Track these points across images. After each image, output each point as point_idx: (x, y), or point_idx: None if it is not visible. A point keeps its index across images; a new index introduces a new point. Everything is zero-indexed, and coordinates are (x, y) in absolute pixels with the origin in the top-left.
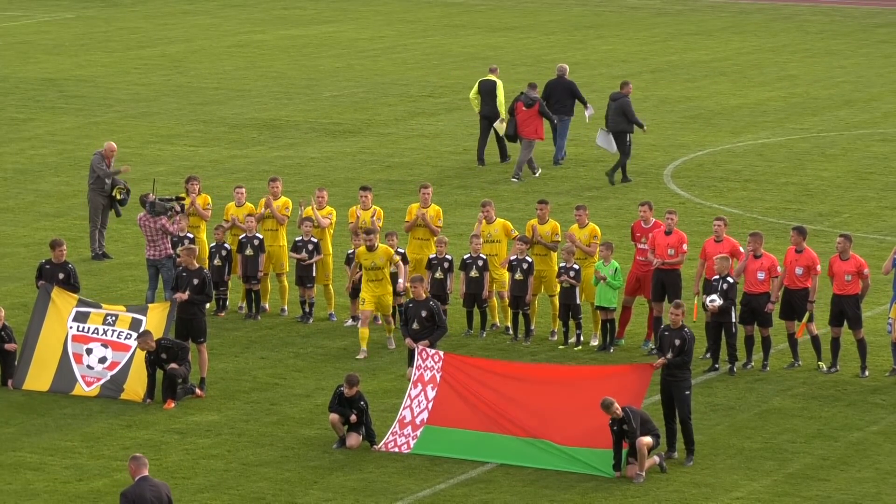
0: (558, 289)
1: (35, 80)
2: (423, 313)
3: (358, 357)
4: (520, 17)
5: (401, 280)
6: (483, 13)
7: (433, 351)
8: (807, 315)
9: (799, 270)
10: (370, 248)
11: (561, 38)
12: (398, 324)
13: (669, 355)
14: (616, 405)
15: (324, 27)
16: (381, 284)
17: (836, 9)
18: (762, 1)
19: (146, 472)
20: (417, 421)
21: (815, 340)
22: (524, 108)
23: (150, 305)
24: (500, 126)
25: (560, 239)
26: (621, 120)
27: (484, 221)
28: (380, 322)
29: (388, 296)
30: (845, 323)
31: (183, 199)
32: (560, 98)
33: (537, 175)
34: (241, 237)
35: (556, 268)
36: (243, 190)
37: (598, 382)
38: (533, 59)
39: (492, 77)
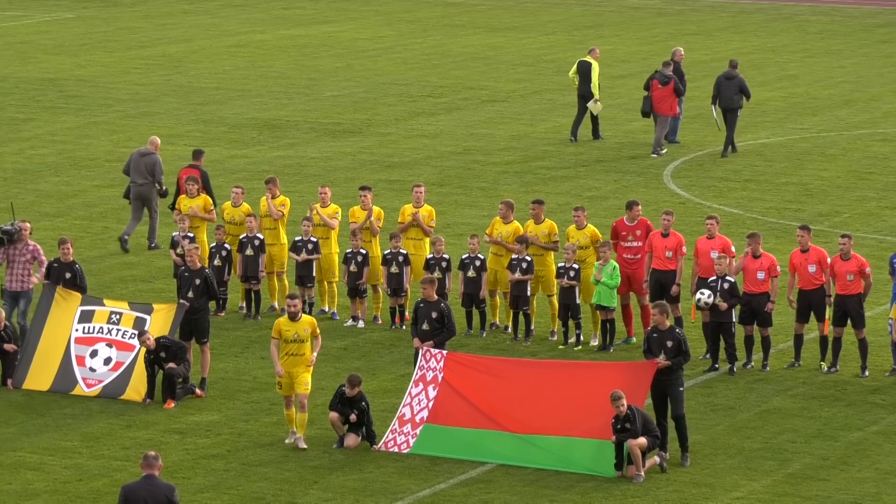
0: (556, 288)
1: (35, 80)
2: (434, 315)
3: (287, 441)
4: (520, 17)
5: (314, 355)
6: (483, 13)
7: (436, 351)
8: (829, 311)
9: (812, 268)
10: (293, 317)
11: (561, 38)
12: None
13: (662, 356)
14: (624, 401)
15: (324, 27)
16: (301, 361)
17: (836, 9)
18: (762, 1)
19: (153, 472)
20: (417, 419)
21: (823, 340)
22: (659, 86)
23: (155, 306)
24: (594, 106)
25: (558, 239)
26: (738, 97)
27: (499, 220)
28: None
29: (307, 374)
30: (847, 323)
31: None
32: None
33: (663, 153)
34: (241, 237)
35: (553, 268)
36: (239, 190)
37: (600, 379)
38: (533, 58)
39: (588, 58)
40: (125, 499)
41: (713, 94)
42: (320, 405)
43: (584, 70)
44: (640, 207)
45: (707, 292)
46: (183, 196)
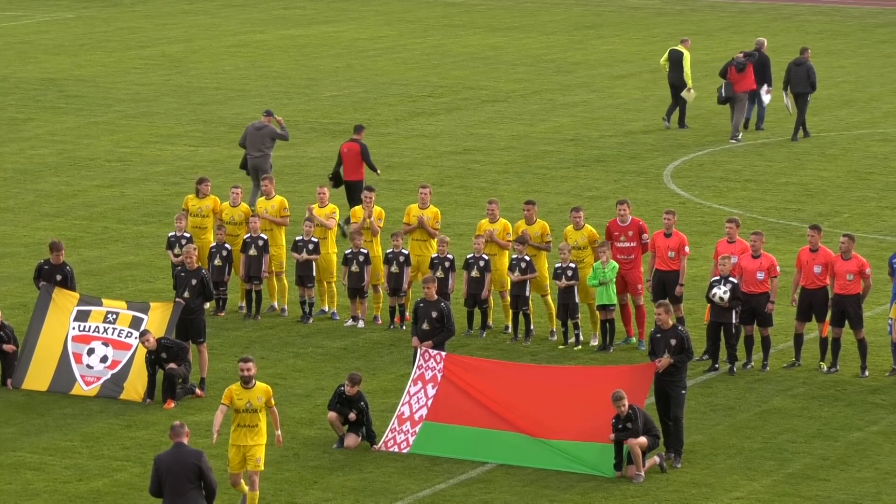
0: (552, 288)
1: (35, 80)
2: (434, 314)
3: None
4: (520, 17)
5: (278, 432)
6: (483, 13)
7: (435, 352)
8: (829, 313)
9: (818, 269)
10: (246, 383)
11: (561, 38)
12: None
13: (666, 356)
14: (626, 401)
15: (324, 27)
16: (255, 434)
17: (836, 9)
18: (762, 1)
19: (181, 440)
20: (416, 417)
21: (823, 341)
22: (736, 73)
23: (152, 304)
24: (688, 94)
25: (551, 239)
26: (806, 83)
27: (486, 221)
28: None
29: (260, 448)
30: (846, 323)
31: None
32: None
33: (740, 139)
34: (245, 237)
35: (546, 268)
36: (238, 190)
37: (601, 383)
38: (533, 58)
39: (680, 48)
40: (157, 468)
41: (784, 79)
42: (320, 405)
43: (676, 59)
44: (626, 206)
45: (724, 287)
46: (191, 196)
